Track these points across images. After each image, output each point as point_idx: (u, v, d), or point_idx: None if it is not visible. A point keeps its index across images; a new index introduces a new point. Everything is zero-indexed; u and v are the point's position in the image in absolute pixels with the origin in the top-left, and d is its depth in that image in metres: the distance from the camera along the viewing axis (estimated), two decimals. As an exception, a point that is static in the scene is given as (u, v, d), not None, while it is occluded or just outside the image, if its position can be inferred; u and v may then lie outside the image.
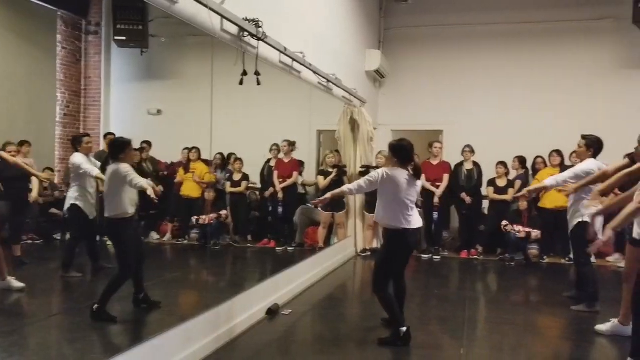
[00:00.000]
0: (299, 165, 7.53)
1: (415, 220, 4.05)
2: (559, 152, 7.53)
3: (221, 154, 7.60)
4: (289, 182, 7.27)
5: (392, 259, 4.10)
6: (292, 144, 7.44)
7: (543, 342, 4.44)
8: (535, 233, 7.35)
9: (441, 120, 9.18)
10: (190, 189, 7.07)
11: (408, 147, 4.13)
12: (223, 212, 7.07)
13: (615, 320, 4.27)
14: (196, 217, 6.90)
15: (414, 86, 9.36)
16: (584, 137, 4.99)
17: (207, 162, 7.07)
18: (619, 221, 3.33)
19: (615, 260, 7.16)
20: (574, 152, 6.50)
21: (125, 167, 3.90)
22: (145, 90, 7.00)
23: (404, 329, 4.00)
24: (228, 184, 7.49)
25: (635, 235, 3.84)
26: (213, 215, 6.96)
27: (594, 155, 4.87)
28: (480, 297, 5.94)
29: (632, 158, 4.14)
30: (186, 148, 7.12)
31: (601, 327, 4.34)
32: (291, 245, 7.32)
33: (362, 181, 4.14)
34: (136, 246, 4.19)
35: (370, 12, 8.80)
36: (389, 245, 4.10)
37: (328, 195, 4.34)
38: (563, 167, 7.30)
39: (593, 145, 4.87)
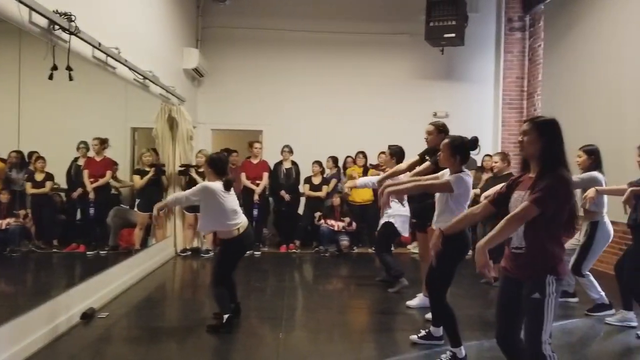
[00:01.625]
0: (113, 164, 7.38)
1: (243, 219, 4.61)
2: (363, 154, 8.65)
3: (18, 151, 7.08)
4: (101, 181, 7.09)
5: (230, 259, 4.65)
6: (103, 142, 7.26)
7: (355, 321, 5.19)
8: (352, 226, 8.31)
9: (261, 120, 9.75)
10: (-19, 191, 6.48)
11: (224, 160, 4.71)
12: (22, 214, 6.62)
13: (421, 295, 5.18)
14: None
15: (234, 86, 9.77)
16: (389, 147, 5.90)
17: (3, 161, 6.55)
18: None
19: (414, 247, 8.42)
20: (380, 155, 7.95)
21: None
22: None
23: (227, 316, 4.46)
24: (29, 184, 7.02)
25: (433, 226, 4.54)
26: (10, 219, 6.48)
27: (398, 162, 5.77)
28: (298, 287, 6.56)
29: (436, 162, 4.94)
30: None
31: (411, 302, 5.23)
32: (104, 249, 7.15)
33: (183, 195, 4.61)
34: None
35: (187, 10, 8.96)
36: (226, 250, 4.58)
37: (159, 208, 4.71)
38: (366, 167, 8.58)
39: (396, 154, 5.77)
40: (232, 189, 4.64)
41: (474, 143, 3.90)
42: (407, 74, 9.96)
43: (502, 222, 2.68)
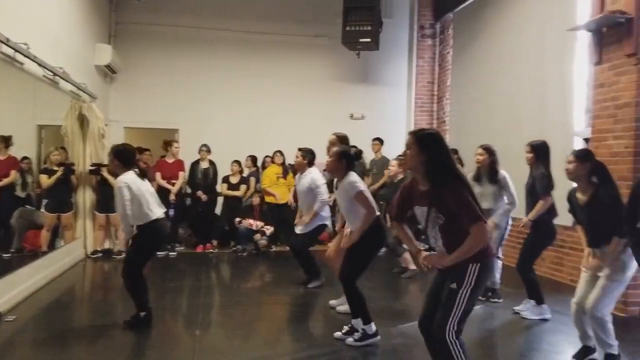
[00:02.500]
0: (18, 162, 7.12)
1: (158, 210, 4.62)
2: (280, 152, 8.85)
3: None
4: (5, 181, 6.82)
5: (144, 248, 4.60)
6: (5, 140, 7.00)
7: (273, 317, 5.38)
8: (270, 229, 8.48)
9: (177, 119, 9.73)
10: None
11: (131, 150, 4.69)
12: None
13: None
14: None
15: (149, 83, 9.68)
16: (300, 149, 6.15)
17: None
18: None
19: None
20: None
21: None
22: None
23: (143, 313, 4.56)
24: None
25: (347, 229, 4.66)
26: None
27: (310, 164, 6.05)
28: (214, 286, 6.66)
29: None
30: None
31: (333, 302, 5.31)
32: (7, 252, 6.88)
33: (121, 211, 4.44)
34: None
35: (99, 5, 8.79)
36: (141, 237, 4.54)
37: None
38: (285, 167, 8.76)
39: (308, 156, 6.06)
40: (146, 178, 4.65)
41: (357, 154, 4.43)
42: (325, 76, 10.29)
43: (464, 248, 2.76)
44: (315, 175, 6.01)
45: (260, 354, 4.17)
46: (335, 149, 4.43)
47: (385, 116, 10.39)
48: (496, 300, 5.58)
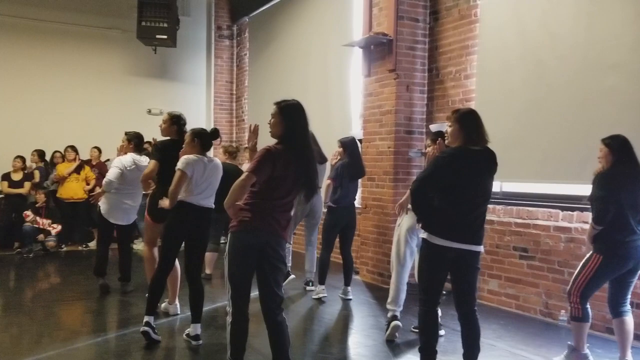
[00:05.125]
0: None
1: None
2: (73, 148, 8.49)
3: None
4: None
5: None
6: None
7: (65, 317, 5.29)
8: (56, 229, 8.11)
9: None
10: None
11: None
12: None
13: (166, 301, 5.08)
14: None
15: None
16: (126, 133, 5.93)
17: None
18: None
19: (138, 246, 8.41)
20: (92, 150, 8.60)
21: None
22: None
23: None
24: None
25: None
26: None
27: (136, 149, 5.79)
28: (-6, 291, 6.24)
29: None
30: None
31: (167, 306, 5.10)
32: None
33: None
34: None
35: None
36: None
37: None
38: (80, 161, 8.49)
39: (133, 140, 5.81)
40: None
41: (214, 133, 4.46)
42: (119, 70, 10.10)
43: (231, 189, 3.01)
44: (127, 158, 5.75)
45: (55, 352, 4.15)
46: (189, 130, 4.36)
47: (185, 113, 10.27)
48: None
